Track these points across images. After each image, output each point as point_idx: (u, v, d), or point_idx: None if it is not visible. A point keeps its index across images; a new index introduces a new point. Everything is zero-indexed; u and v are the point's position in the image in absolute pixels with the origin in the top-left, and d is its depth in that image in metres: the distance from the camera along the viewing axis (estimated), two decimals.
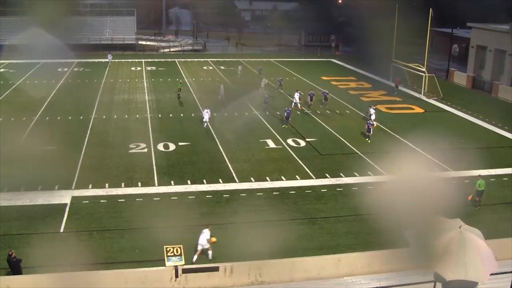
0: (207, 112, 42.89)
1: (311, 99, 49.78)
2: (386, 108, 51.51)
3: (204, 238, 23.12)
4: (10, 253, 21.06)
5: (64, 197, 28.99)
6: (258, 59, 78.82)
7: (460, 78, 67.00)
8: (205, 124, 42.58)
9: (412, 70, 59.69)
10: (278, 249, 23.34)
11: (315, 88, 54.85)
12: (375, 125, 42.00)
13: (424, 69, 57.63)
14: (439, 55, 73.93)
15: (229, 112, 46.76)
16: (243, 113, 47.20)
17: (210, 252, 23.22)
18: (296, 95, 49.05)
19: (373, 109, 44.91)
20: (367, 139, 40.74)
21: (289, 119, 43.79)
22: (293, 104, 48.37)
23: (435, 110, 52.21)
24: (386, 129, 43.78)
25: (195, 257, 22.89)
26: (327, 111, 48.68)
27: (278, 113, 47.27)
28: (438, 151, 36.63)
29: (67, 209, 27.63)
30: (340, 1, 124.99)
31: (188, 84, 60.66)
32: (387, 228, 25.37)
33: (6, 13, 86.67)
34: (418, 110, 51.90)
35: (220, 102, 49.82)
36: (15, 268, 20.90)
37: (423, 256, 15.45)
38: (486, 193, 29.21)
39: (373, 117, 43.54)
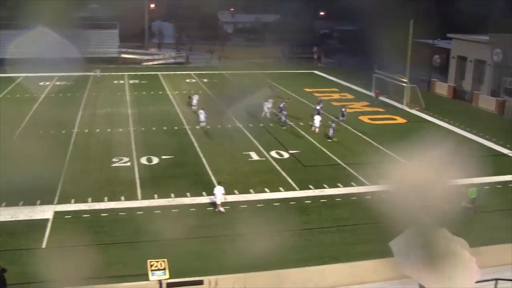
0: (201, 112, 45.42)
1: (342, 115, 50.19)
2: (369, 119, 51.80)
3: (221, 193, 29.03)
4: None
5: (46, 212, 28.73)
6: (241, 71, 78.90)
7: (441, 88, 67.61)
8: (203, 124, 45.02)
9: (394, 81, 60.11)
10: (263, 261, 23.30)
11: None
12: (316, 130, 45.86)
13: (406, 80, 58.05)
14: (421, 66, 74.45)
15: (212, 125, 46.80)
16: (225, 125, 47.27)
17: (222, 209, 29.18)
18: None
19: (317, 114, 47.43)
20: (331, 139, 42.96)
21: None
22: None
23: (417, 120, 52.59)
24: (369, 139, 43.99)
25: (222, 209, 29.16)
26: (309, 123, 48.64)
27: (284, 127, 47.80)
28: (421, 161, 36.73)
29: (49, 225, 27.39)
30: (322, 13, 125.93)
31: (172, 97, 60.60)
32: (372, 239, 25.53)
33: None
34: (401, 120, 52.26)
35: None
36: None
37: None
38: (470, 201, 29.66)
39: (316, 123, 46.18)
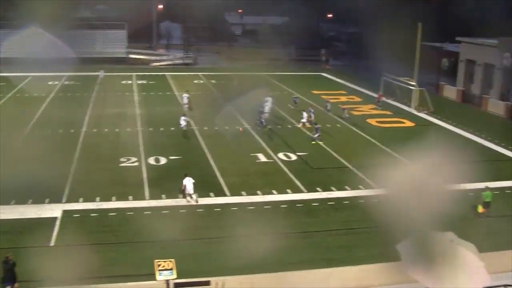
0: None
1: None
2: (376, 122, 51.73)
3: (191, 184, 29.95)
4: (7, 256, 21.14)
5: (54, 211, 28.84)
6: (248, 73, 78.86)
7: (449, 92, 67.45)
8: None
9: (402, 84, 60.04)
10: (270, 263, 23.33)
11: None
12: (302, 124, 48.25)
13: (414, 83, 57.93)
14: (428, 69, 74.31)
15: (221, 126, 46.90)
16: (233, 127, 47.28)
17: (194, 195, 30.42)
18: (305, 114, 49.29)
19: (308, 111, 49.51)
20: (316, 142, 43.23)
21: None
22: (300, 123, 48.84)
23: (425, 123, 52.49)
24: (376, 142, 43.93)
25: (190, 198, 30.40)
26: (318, 125, 48.61)
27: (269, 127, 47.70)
28: (429, 165, 36.72)
29: (57, 223, 27.49)
30: (330, 16, 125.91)
31: (179, 98, 60.65)
32: (379, 242, 25.47)
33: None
34: (409, 123, 52.15)
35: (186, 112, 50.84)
36: (8, 272, 20.90)
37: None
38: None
39: (303, 119, 48.13)
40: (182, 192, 30.52)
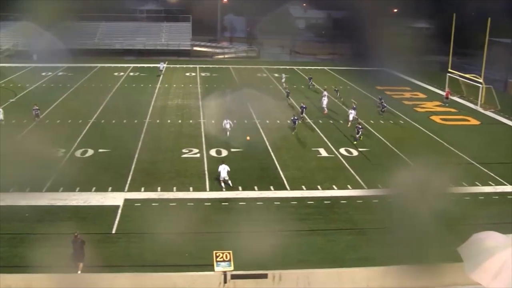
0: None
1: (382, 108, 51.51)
2: (441, 119, 50.66)
3: (226, 171, 31.39)
4: (76, 234, 22.04)
5: (116, 199, 29.50)
6: (311, 67, 78.67)
7: None
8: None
9: (468, 81, 58.60)
10: (327, 258, 23.23)
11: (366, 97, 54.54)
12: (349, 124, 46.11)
13: (481, 80, 56.43)
14: (497, 66, 72.20)
15: (283, 120, 46.92)
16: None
17: (230, 181, 31.53)
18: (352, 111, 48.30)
19: (353, 108, 47.63)
20: (355, 141, 41.59)
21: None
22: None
23: (491, 122, 51.03)
24: (440, 140, 43.00)
25: (223, 184, 31.55)
26: (381, 121, 48.18)
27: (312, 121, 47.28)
28: (494, 165, 35.84)
29: (119, 211, 28.10)
30: (395, 11, 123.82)
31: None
32: (438, 240, 24.97)
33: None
34: (474, 122, 50.84)
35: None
36: (78, 249, 21.82)
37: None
38: None
39: (350, 117, 46.46)
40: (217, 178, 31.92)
